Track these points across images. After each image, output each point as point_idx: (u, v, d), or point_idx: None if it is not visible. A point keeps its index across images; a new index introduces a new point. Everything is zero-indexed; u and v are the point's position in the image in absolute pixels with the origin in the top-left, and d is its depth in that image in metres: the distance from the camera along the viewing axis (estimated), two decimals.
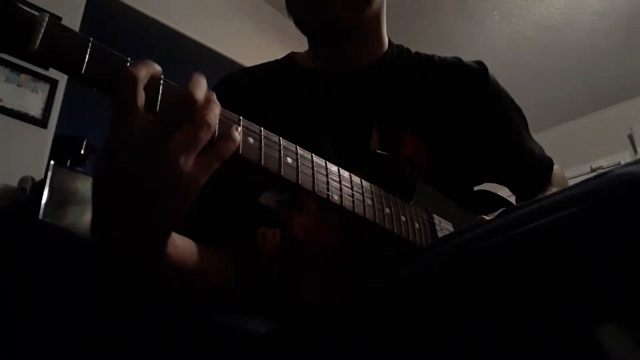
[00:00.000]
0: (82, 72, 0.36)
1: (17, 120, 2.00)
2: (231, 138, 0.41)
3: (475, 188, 0.78)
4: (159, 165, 0.37)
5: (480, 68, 0.75)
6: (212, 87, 0.42)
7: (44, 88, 2.11)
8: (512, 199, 0.83)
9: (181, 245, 0.50)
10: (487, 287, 0.35)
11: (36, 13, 0.34)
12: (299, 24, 0.70)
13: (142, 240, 0.42)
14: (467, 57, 0.79)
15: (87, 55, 0.36)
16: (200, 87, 0.39)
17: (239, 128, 0.43)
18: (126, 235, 0.41)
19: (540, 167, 0.80)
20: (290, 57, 0.80)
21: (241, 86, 0.75)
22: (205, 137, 0.39)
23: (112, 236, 0.41)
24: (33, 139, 2.04)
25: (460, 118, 0.71)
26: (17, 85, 2.04)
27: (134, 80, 0.37)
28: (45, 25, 0.34)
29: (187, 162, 0.38)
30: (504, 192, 0.80)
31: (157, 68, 0.40)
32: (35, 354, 0.35)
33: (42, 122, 2.08)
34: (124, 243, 0.41)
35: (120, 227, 0.40)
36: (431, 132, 0.68)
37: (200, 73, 0.41)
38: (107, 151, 0.38)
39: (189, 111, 0.38)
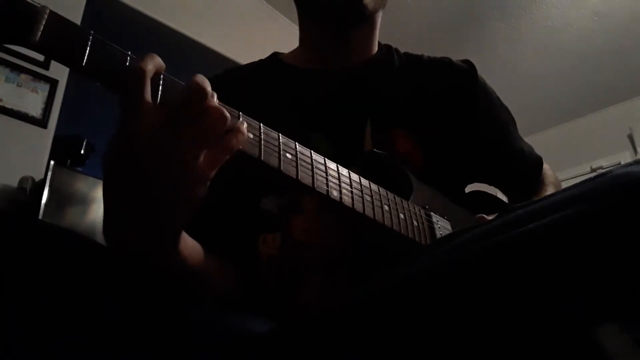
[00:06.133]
0: (83, 64, 0.36)
1: (17, 120, 2.00)
2: (239, 130, 0.42)
3: (470, 188, 0.78)
4: (170, 159, 0.38)
5: (468, 67, 0.76)
6: None
7: (44, 88, 2.11)
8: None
9: (191, 244, 0.50)
10: (487, 288, 0.35)
11: (37, 4, 0.35)
12: (314, 5, 0.69)
13: (156, 237, 0.42)
14: (467, 57, 0.79)
15: (88, 48, 0.36)
16: (206, 82, 0.39)
17: (244, 123, 0.43)
18: (139, 232, 0.41)
19: (530, 165, 0.80)
20: (276, 57, 0.79)
21: (229, 86, 0.74)
22: (219, 129, 0.39)
23: (125, 233, 0.42)
24: (33, 139, 2.04)
25: (449, 117, 0.71)
26: (17, 85, 2.04)
27: (142, 75, 0.37)
28: (46, 17, 0.34)
29: (198, 156, 0.39)
30: (499, 194, 0.80)
31: (161, 62, 0.40)
32: (35, 355, 0.35)
33: (42, 122, 2.08)
34: (138, 240, 0.42)
35: (133, 224, 0.41)
36: (423, 130, 0.69)
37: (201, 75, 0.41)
38: (117, 147, 0.38)
39: (201, 104, 0.38)
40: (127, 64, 0.38)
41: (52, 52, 0.35)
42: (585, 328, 0.36)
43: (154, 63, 0.38)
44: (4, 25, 0.33)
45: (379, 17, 0.75)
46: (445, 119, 0.71)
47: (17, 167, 1.94)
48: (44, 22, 0.34)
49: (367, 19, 0.71)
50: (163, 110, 0.38)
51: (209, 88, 0.39)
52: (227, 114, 0.40)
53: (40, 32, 0.34)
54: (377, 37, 0.77)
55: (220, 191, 0.62)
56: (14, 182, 1.89)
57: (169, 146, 0.37)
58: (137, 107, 0.37)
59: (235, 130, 0.42)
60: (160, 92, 0.39)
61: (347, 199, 0.50)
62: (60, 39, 0.35)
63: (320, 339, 0.42)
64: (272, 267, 0.62)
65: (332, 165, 0.50)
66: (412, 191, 0.62)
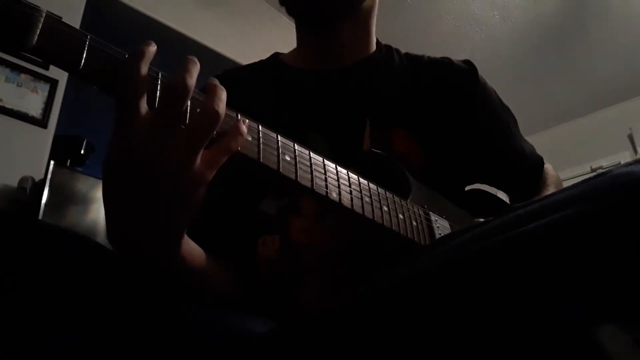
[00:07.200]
0: (81, 67, 0.36)
1: (17, 120, 2.00)
2: (238, 130, 0.42)
3: (469, 187, 0.78)
4: (167, 159, 0.38)
5: (469, 68, 0.75)
6: (200, 88, 0.42)
7: (44, 88, 2.11)
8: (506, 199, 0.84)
9: (192, 246, 0.50)
10: (487, 287, 0.35)
11: (35, 7, 0.34)
12: (288, 5, 0.69)
13: (158, 238, 0.42)
14: (467, 57, 0.79)
15: (85, 51, 0.36)
16: (192, 75, 0.38)
17: (246, 121, 0.43)
18: (140, 232, 0.41)
19: (531, 165, 0.80)
20: (276, 57, 0.79)
21: (228, 87, 0.76)
22: (212, 126, 0.39)
23: (126, 234, 0.42)
24: (33, 139, 2.04)
25: (450, 117, 0.71)
26: (17, 85, 2.04)
27: (135, 79, 0.37)
28: (43, 20, 0.34)
29: (195, 155, 0.39)
30: (500, 194, 0.80)
31: (152, 50, 0.39)
32: (35, 355, 0.35)
33: (42, 122, 2.08)
34: (139, 240, 0.42)
35: (133, 225, 0.41)
36: (423, 131, 0.69)
37: (193, 58, 0.40)
38: (114, 151, 0.38)
39: (183, 103, 0.38)
40: (121, 67, 0.38)
41: (49, 56, 0.35)
42: (585, 328, 0.36)
43: (146, 63, 0.38)
44: (0, 30, 0.33)
45: (373, 15, 0.75)
46: (445, 119, 0.71)
47: (17, 167, 1.94)
48: (40, 26, 0.34)
49: (343, 16, 0.70)
50: (154, 112, 0.38)
51: (190, 83, 0.38)
52: (219, 113, 0.39)
53: (37, 36, 0.34)
54: (374, 36, 0.77)
55: (220, 193, 0.62)
56: (14, 182, 1.89)
57: (163, 147, 0.37)
58: (130, 111, 0.37)
59: (233, 130, 0.42)
60: (158, 92, 0.39)
61: (346, 200, 0.50)
62: (57, 43, 0.35)
63: (320, 339, 0.42)
64: (272, 268, 0.62)
65: (331, 165, 0.50)
66: (411, 191, 0.62)
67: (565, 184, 0.50)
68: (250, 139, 0.43)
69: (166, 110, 0.38)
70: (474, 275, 0.36)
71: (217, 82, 0.42)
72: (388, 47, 0.78)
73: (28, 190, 1.85)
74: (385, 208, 0.54)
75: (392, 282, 0.40)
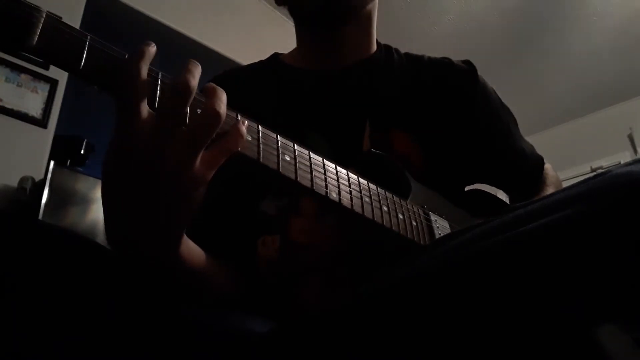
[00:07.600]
0: (81, 67, 0.36)
1: (17, 120, 2.01)
2: (238, 132, 0.42)
3: (469, 188, 0.78)
4: (167, 160, 0.38)
5: (469, 68, 0.75)
6: (199, 89, 0.42)
7: (44, 88, 2.11)
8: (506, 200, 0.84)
9: (191, 246, 0.50)
10: (487, 287, 0.35)
11: (35, 7, 0.34)
12: (297, 6, 0.69)
13: (157, 238, 0.42)
14: (466, 56, 0.79)
15: (85, 51, 0.36)
16: (194, 76, 0.39)
17: (246, 122, 0.43)
18: (140, 232, 0.41)
19: (531, 165, 0.80)
20: (276, 57, 0.79)
21: (228, 87, 0.76)
22: (213, 128, 0.39)
23: (125, 235, 0.42)
24: (33, 139, 2.04)
25: (450, 117, 0.71)
26: (17, 85, 2.04)
27: (135, 79, 0.37)
28: (43, 20, 0.34)
29: (195, 156, 0.39)
30: (500, 194, 0.80)
31: (152, 50, 0.39)
32: (35, 355, 0.35)
33: (42, 122, 2.08)
34: (138, 240, 0.42)
35: (133, 225, 0.41)
36: (422, 131, 0.69)
37: (195, 61, 0.40)
38: (116, 149, 0.38)
39: (185, 105, 0.38)
40: (122, 66, 0.38)
41: (50, 56, 0.35)
42: (585, 328, 0.36)
43: (146, 63, 0.38)
44: (1, 30, 0.33)
45: (374, 15, 0.75)
46: (445, 120, 0.71)
47: (17, 167, 1.94)
48: (40, 26, 0.34)
49: (353, 16, 0.70)
50: (154, 112, 0.38)
51: (193, 83, 0.38)
52: (220, 114, 0.39)
53: (37, 36, 0.34)
54: (374, 36, 0.77)
55: (220, 193, 0.62)
56: (14, 182, 1.89)
57: (163, 148, 0.37)
58: (131, 111, 0.37)
59: (233, 131, 0.42)
60: (158, 92, 0.39)
61: (346, 200, 0.50)
62: (57, 43, 0.35)
63: (320, 339, 0.42)
64: (272, 268, 0.62)
65: (330, 166, 0.50)
66: (411, 191, 0.63)
67: (565, 184, 0.50)
68: (250, 139, 0.43)
69: (167, 110, 0.38)
70: (474, 275, 0.36)
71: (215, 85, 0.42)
72: (388, 47, 0.78)
73: (28, 190, 1.85)
74: (385, 208, 0.54)
75: (392, 282, 0.40)
